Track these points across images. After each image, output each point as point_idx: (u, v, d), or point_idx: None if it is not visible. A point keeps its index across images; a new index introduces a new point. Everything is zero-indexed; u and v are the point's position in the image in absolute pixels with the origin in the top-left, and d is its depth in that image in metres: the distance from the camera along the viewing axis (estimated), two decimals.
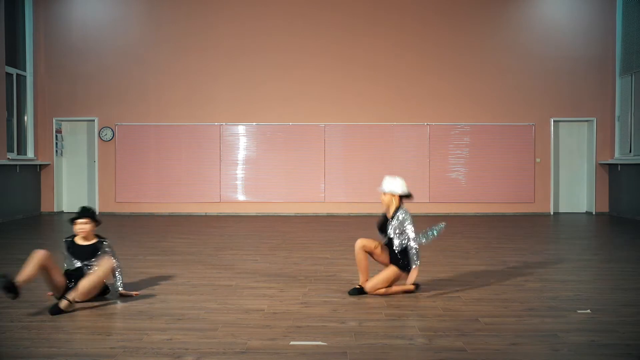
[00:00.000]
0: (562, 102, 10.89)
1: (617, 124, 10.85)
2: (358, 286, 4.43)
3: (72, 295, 3.90)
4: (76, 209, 4.54)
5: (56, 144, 11.00)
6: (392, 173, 10.78)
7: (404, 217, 4.43)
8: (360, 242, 4.42)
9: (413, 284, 4.39)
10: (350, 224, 9.42)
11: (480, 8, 10.89)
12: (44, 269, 3.94)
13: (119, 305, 4.10)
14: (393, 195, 4.47)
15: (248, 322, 3.68)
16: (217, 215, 10.74)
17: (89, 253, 4.27)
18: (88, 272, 4.15)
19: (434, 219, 10.13)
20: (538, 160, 10.84)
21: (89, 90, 10.97)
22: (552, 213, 10.88)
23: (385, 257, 4.44)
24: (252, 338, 3.36)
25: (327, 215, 10.73)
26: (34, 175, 10.84)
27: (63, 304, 3.85)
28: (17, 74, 10.48)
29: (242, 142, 10.90)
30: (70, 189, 11.30)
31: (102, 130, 10.93)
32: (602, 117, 10.89)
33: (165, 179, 10.88)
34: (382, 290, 4.35)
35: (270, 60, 10.89)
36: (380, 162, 10.79)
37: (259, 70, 10.89)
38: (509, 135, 10.84)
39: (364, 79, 10.87)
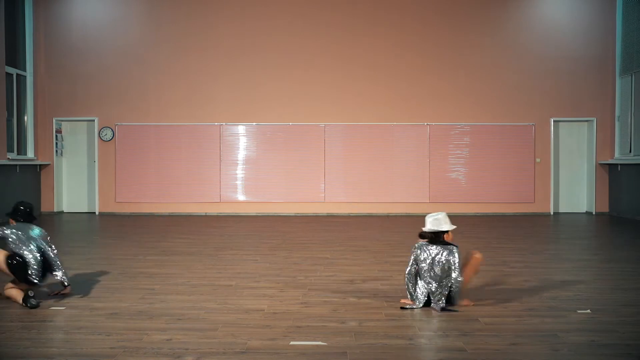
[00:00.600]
0: (562, 102, 10.89)
1: (617, 124, 10.85)
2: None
3: None
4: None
5: (56, 144, 11.00)
6: (392, 173, 10.90)
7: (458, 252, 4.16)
8: None
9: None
10: (350, 224, 9.42)
11: (480, 8, 10.89)
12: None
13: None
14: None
15: (248, 322, 3.68)
16: (217, 215, 10.74)
17: None
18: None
19: None
20: (538, 160, 10.84)
21: (89, 90, 10.97)
22: (552, 213, 10.88)
23: None
24: (252, 338, 3.36)
25: (327, 215, 10.73)
26: (34, 175, 10.84)
27: None
28: (17, 74, 10.48)
29: (242, 142, 10.90)
30: (70, 189, 11.29)
31: (102, 130, 10.93)
32: (602, 117, 10.89)
33: (165, 179, 10.88)
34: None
35: (270, 60, 10.90)
36: (380, 162, 10.79)
37: (259, 70, 10.89)
38: (509, 135, 10.84)
39: (364, 79, 10.87)
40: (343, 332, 3.46)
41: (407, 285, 4.11)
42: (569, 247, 7.03)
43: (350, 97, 10.87)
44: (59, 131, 11.09)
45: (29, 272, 4.13)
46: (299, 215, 10.79)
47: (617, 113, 10.84)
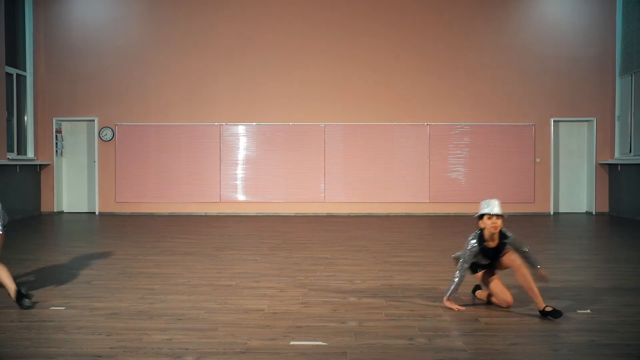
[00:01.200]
0: (562, 102, 10.89)
1: (617, 124, 10.85)
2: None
3: None
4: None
5: (56, 144, 11.00)
6: (392, 173, 10.91)
7: (515, 237, 4.06)
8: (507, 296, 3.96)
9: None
10: (350, 224, 9.42)
11: (480, 8, 10.89)
12: None
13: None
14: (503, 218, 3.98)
15: (248, 322, 3.68)
16: (217, 215, 10.74)
17: None
18: None
19: (434, 219, 10.15)
20: (538, 160, 10.84)
21: (89, 90, 10.97)
22: (552, 213, 10.88)
23: (491, 274, 4.10)
24: (252, 338, 3.35)
25: (327, 215, 10.72)
26: (34, 175, 10.84)
27: None
28: (17, 74, 10.48)
29: (242, 142, 10.90)
30: (70, 189, 11.29)
31: (102, 130, 10.93)
32: (602, 117, 10.89)
33: (165, 179, 10.88)
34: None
35: (270, 60, 10.90)
36: (380, 162, 10.80)
37: (259, 70, 10.89)
38: (509, 135, 10.84)
39: (364, 79, 10.87)
40: (343, 332, 3.46)
41: (458, 283, 3.98)
42: (569, 247, 7.03)
43: (350, 97, 10.87)
44: (59, 131, 11.09)
45: None
46: (299, 215, 10.79)
47: (617, 113, 10.84)
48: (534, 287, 3.80)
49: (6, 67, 10.01)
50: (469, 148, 10.84)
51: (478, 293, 4.29)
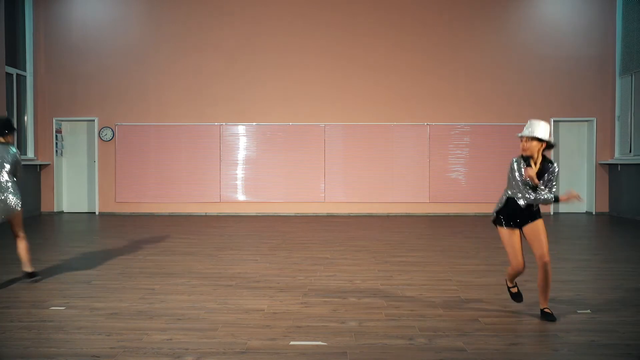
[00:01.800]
0: (562, 102, 10.89)
1: (617, 124, 10.85)
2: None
3: None
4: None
5: (56, 144, 10.99)
6: (392, 173, 10.91)
7: (557, 172, 3.76)
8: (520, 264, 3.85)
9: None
10: (350, 224, 9.42)
11: (480, 8, 10.89)
12: None
13: (112, 305, 4.10)
14: (542, 142, 3.68)
15: (248, 322, 3.68)
16: (217, 215, 10.74)
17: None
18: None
19: (434, 219, 10.14)
20: None
21: (89, 90, 10.97)
22: (552, 213, 10.88)
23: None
24: (252, 338, 3.36)
25: (327, 215, 10.72)
26: (34, 175, 10.84)
27: None
28: (17, 74, 10.48)
29: (242, 142, 10.90)
30: (70, 189, 11.29)
31: (102, 130, 10.93)
32: (602, 117, 10.89)
33: (165, 179, 10.88)
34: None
35: (270, 60, 10.89)
36: (380, 162, 10.79)
37: (259, 70, 10.89)
38: (509, 135, 10.83)
39: (364, 79, 10.87)
40: (343, 332, 3.46)
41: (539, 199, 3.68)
42: (569, 247, 7.03)
43: (350, 97, 10.87)
44: (59, 131, 11.09)
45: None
46: (299, 215, 10.79)
47: (617, 113, 10.84)
48: (547, 290, 3.77)
49: (6, 67, 10.01)
50: (469, 148, 10.84)
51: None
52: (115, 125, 10.92)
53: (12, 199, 4.69)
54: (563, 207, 11.18)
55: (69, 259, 5.95)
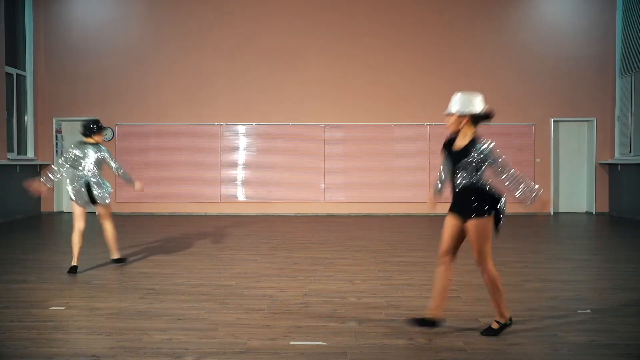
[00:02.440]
0: (562, 102, 10.88)
1: (617, 124, 10.84)
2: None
3: None
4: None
5: (56, 144, 10.99)
6: (392, 173, 10.91)
7: (489, 150, 3.34)
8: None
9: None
10: (350, 224, 9.42)
11: (480, 8, 10.89)
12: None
13: (118, 304, 4.10)
14: (463, 116, 3.34)
15: (248, 322, 3.68)
16: (217, 215, 10.74)
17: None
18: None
19: (434, 219, 10.14)
20: (538, 160, 10.84)
21: (89, 90, 10.97)
22: (552, 213, 10.87)
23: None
24: (252, 338, 3.35)
25: (327, 215, 10.72)
26: (34, 175, 10.82)
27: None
28: (17, 74, 10.48)
29: (242, 142, 10.90)
30: None
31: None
32: (602, 117, 10.88)
33: (165, 179, 10.87)
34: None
35: (270, 60, 10.89)
36: (380, 162, 10.79)
37: (259, 70, 10.89)
38: (509, 135, 10.83)
39: (364, 79, 10.87)
40: (343, 332, 3.46)
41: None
42: (569, 247, 7.02)
43: (350, 97, 10.87)
44: (59, 131, 11.09)
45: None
46: (299, 215, 10.79)
47: (617, 113, 10.84)
48: (493, 301, 3.37)
49: (6, 67, 10.01)
50: None
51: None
52: (116, 125, 10.92)
53: (98, 192, 5.88)
54: (563, 207, 11.18)
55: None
